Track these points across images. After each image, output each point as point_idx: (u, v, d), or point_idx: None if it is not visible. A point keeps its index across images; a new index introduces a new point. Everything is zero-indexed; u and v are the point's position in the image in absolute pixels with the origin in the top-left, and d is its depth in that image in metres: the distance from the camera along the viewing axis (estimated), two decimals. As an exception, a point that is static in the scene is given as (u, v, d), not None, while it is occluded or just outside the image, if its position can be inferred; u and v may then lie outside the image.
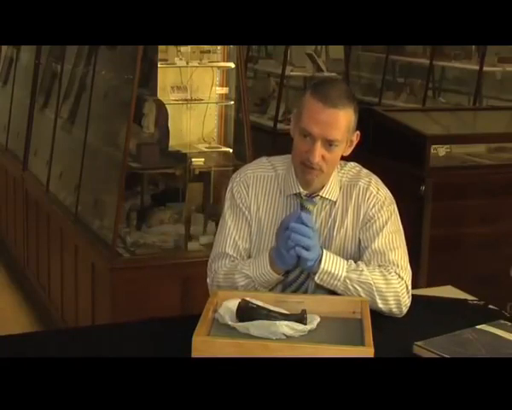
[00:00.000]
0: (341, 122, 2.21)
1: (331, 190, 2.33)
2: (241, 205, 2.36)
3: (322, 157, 2.22)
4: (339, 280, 2.19)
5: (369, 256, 2.29)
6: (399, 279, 2.26)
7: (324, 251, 2.20)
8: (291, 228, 2.13)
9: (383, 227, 2.31)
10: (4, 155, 5.96)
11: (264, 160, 2.43)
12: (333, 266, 2.19)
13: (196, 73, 4.10)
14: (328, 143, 2.21)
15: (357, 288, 2.20)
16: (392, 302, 2.24)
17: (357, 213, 2.34)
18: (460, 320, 2.19)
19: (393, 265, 2.27)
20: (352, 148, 2.31)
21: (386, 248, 2.29)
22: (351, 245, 2.34)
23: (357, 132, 2.30)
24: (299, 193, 2.33)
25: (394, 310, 2.24)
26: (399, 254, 2.31)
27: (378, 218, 2.32)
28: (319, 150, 2.21)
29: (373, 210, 2.33)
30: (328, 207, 2.34)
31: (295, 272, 2.34)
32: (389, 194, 2.38)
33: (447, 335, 2.07)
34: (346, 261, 2.23)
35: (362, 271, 2.22)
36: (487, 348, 2.00)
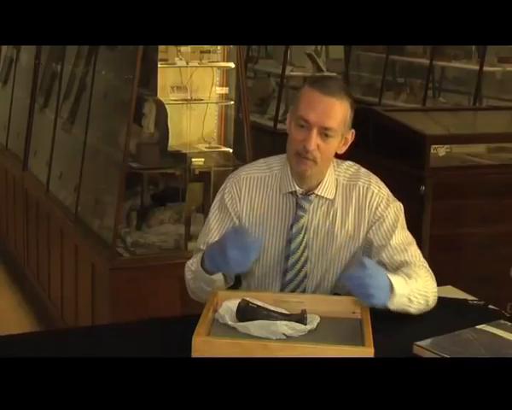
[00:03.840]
0: (338, 112, 2.22)
1: (327, 188, 2.33)
2: (229, 206, 2.36)
3: (318, 147, 2.22)
4: (407, 297, 2.15)
5: (391, 252, 2.30)
6: (430, 274, 2.28)
7: (390, 277, 2.12)
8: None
9: (396, 223, 2.32)
10: (4, 155, 5.96)
11: (260, 161, 2.43)
12: (401, 287, 2.13)
13: (196, 73, 4.10)
14: (324, 133, 2.22)
15: (418, 296, 2.18)
16: (431, 298, 2.25)
17: (358, 214, 2.33)
18: (460, 320, 2.19)
19: (418, 257, 2.30)
20: (347, 146, 2.32)
21: (404, 243, 2.31)
22: (353, 246, 2.35)
23: (353, 131, 2.30)
24: (295, 191, 2.33)
25: (432, 302, 2.26)
26: (417, 247, 2.34)
27: (387, 215, 2.33)
28: (315, 138, 2.21)
29: (379, 209, 2.33)
30: (324, 206, 2.34)
31: (293, 271, 2.34)
32: (390, 193, 2.38)
33: (447, 335, 2.07)
34: (399, 276, 2.16)
35: (416, 279, 2.18)
36: (487, 348, 2.00)
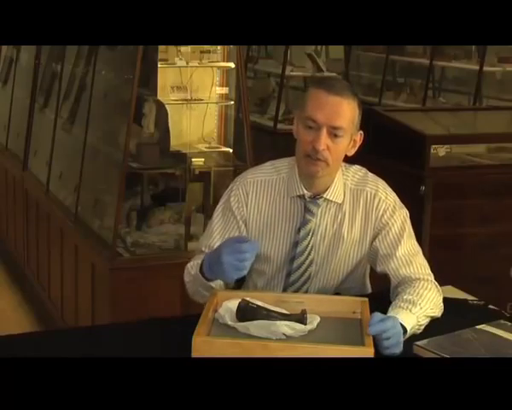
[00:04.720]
0: (346, 111, 2.21)
1: (335, 192, 2.32)
2: (234, 210, 2.34)
3: (327, 147, 2.20)
4: (417, 325, 2.11)
5: (397, 265, 2.28)
6: (434, 286, 2.25)
7: (399, 319, 2.04)
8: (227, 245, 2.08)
9: (402, 233, 2.31)
10: (4, 155, 5.96)
11: (267, 164, 2.42)
12: (409, 322, 2.07)
13: (196, 73, 4.10)
14: (334, 133, 2.20)
15: (424, 318, 2.14)
16: (437, 312, 2.22)
17: (365, 220, 2.33)
18: (460, 320, 2.19)
19: (422, 271, 2.27)
20: (356, 148, 2.31)
21: (410, 254, 2.29)
22: (357, 251, 2.34)
23: (361, 132, 2.29)
24: (303, 195, 2.32)
25: (439, 314, 2.23)
26: (422, 256, 2.33)
27: (393, 224, 2.31)
28: (325, 138, 2.19)
29: (385, 216, 2.32)
30: (332, 209, 2.33)
31: (297, 273, 2.34)
32: (397, 199, 2.37)
33: (447, 335, 2.07)
34: (405, 311, 2.10)
35: (420, 304, 2.13)
36: (487, 348, 2.00)
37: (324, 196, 2.31)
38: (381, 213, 2.32)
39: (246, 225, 2.35)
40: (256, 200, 2.35)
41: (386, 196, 2.34)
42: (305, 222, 2.32)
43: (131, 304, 3.53)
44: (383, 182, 2.38)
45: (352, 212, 2.33)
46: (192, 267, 2.29)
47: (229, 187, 2.40)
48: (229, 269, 2.06)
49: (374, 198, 2.33)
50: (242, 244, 2.07)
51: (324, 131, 2.19)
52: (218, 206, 2.41)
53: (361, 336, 1.97)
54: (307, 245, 2.32)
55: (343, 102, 2.20)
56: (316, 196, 2.32)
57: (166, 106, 4.02)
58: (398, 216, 2.33)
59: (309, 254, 2.33)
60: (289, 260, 2.34)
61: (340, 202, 2.32)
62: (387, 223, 2.32)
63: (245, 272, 2.10)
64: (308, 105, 2.22)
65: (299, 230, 2.33)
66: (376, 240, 2.32)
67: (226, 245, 2.09)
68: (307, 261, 2.33)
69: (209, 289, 2.20)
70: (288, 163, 2.37)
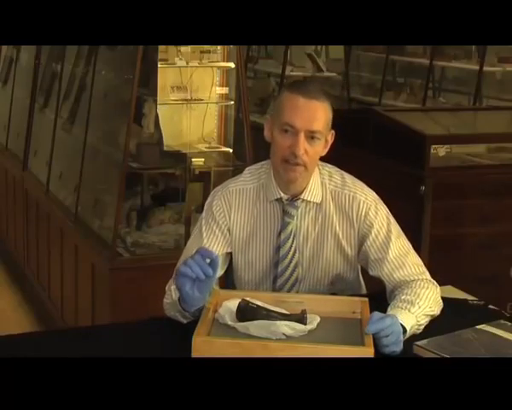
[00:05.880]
0: (322, 114, 2.22)
1: (313, 192, 2.31)
2: (218, 219, 2.33)
3: (306, 152, 2.21)
4: (416, 325, 2.11)
5: (390, 269, 2.28)
6: (431, 283, 2.25)
7: (398, 318, 2.04)
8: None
9: (390, 234, 2.30)
10: (4, 155, 5.96)
11: (245, 172, 2.41)
12: (409, 322, 2.07)
13: (196, 73, 4.10)
14: (311, 136, 2.21)
15: (424, 317, 2.14)
16: (436, 309, 2.22)
17: (347, 223, 2.32)
18: (460, 320, 2.19)
19: (416, 270, 2.27)
20: (328, 148, 2.30)
21: (401, 255, 2.29)
22: (344, 252, 2.33)
23: (332, 132, 2.29)
24: (281, 198, 2.32)
25: (438, 311, 2.23)
26: (413, 254, 2.32)
27: (380, 227, 2.30)
28: (303, 142, 2.20)
29: (368, 217, 2.31)
30: (312, 210, 2.33)
31: (283, 277, 2.33)
32: (376, 195, 2.36)
33: (447, 335, 2.07)
34: (403, 311, 2.11)
35: (418, 303, 2.13)
36: (487, 348, 2.00)
37: (302, 197, 2.31)
38: (363, 214, 2.31)
39: (230, 233, 2.34)
40: (239, 209, 2.34)
41: (365, 197, 2.33)
42: (284, 225, 2.32)
43: (131, 304, 3.53)
44: (360, 182, 2.37)
45: (334, 213, 2.32)
46: (175, 291, 2.18)
47: (210, 199, 2.38)
48: (190, 302, 2.04)
49: (353, 201, 2.31)
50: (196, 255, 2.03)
51: (302, 136, 2.19)
52: (202, 219, 2.36)
53: (361, 336, 1.97)
54: (289, 248, 2.32)
55: (319, 106, 2.21)
56: (293, 198, 2.31)
57: (166, 106, 4.03)
58: (382, 216, 2.32)
59: (293, 256, 2.32)
60: (274, 264, 2.34)
61: (318, 201, 2.32)
62: (372, 225, 2.30)
63: (204, 298, 2.05)
64: (284, 110, 2.22)
65: (279, 234, 2.32)
66: (365, 244, 2.31)
67: (181, 280, 2.04)
68: (292, 264, 2.32)
69: (186, 317, 2.14)
70: (265, 168, 2.37)
